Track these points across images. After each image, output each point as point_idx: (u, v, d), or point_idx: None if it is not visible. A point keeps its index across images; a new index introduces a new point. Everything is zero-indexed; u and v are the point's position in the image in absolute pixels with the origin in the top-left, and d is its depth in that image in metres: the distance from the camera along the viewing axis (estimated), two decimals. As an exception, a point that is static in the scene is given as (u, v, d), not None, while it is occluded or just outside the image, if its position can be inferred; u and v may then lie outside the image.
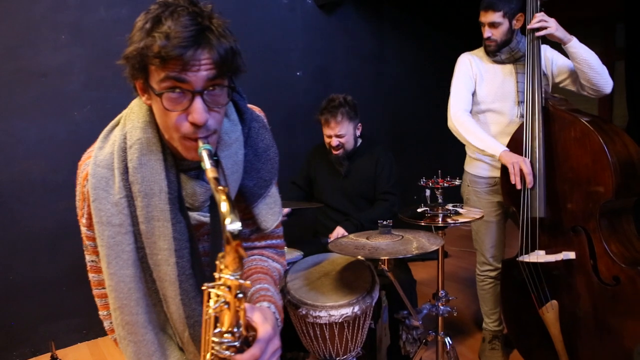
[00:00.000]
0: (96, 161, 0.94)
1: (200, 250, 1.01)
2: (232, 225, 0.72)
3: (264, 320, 0.86)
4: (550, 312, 1.95)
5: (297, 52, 3.63)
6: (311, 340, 1.74)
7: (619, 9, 4.26)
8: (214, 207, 0.96)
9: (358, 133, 2.53)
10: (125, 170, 0.93)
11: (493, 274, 2.40)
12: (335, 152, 2.47)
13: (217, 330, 0.79)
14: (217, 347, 0.79)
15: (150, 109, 0.94)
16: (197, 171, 0.99)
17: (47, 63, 2.66)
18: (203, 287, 0.80)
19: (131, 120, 0.95)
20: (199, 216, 0.98)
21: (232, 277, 0.76)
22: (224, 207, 0.74)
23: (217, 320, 0.80)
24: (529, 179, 1.92)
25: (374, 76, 4.24)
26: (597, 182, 1.85)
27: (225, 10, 3.41)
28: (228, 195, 0.76)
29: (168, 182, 0.93)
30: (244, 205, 1.07)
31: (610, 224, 1.91)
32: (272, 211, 1.09)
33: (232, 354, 0.79)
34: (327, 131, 2.46)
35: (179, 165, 0.97)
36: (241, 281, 0.76)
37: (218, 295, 0.78)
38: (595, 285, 1.86)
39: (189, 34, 0.80)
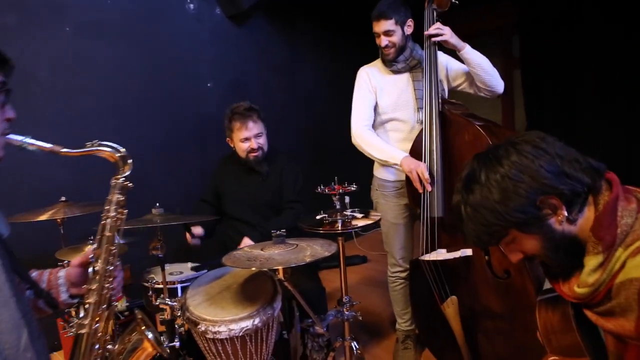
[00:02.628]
0: None
1: None
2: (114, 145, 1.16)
3: None
4: (450, 307, 2.02)
5: (206, 63, 3.56)
6: (214, 356, 1.68)
7: (514, 22, 4.62)
8: None
9: None
10: None
11: (403, 274, 2.46)
12: (254, 155, 2.44)
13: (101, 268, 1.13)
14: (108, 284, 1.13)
15: None
16: None
17: None
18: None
19: None
20: None
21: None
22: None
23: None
24: (425, 179, 2.01)
25: (287, 87, 4.25)
26: (488, 181, 1.95)
27: (130, 19, 3.27)
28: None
29: None
30: None
31: (502, 220, 2.02)
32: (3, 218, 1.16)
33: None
34: (244, 134, 2.41)
35: None
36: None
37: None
38: (489, 279, 1.96)
39: None
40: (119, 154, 1.16)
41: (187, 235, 2.34)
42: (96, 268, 1.13)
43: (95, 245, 1.15)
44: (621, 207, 0.94)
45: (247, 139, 2.42)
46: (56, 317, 2.40)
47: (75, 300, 1.20)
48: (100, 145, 1.14)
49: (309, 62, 4.46)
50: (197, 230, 2.36)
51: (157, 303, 1.87)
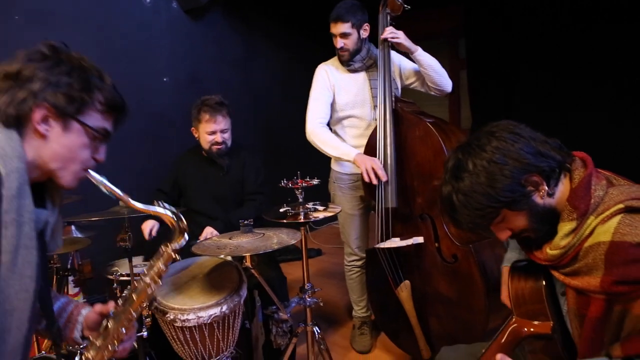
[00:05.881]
0: None
1: None
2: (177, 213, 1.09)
3: None
4: (404, 291, 2.18)
5: (162, 58, 3.54)
6: (182, 345, 1.73)
7: (461, 25, 4.87)
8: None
9: None
10: None
11: (359, 263, 2.60)
12: (217, 147, 2.48)
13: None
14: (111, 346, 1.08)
15: (20, 141, 0.94)
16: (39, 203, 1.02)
17: None
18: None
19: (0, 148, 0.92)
20: None
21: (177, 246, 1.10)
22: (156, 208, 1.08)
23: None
24: (381, 173, 2.12)
25: (243, 82, 4.29)
26: (437, 174, 2.11)
27: (83, 8, 3.20)
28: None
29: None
30: None
31: (450, 209, 2.19)
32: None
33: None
34: (212, 127, 2.45)
35: None
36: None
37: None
38: (439, 264, 2.12)
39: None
40: (181, 225, 1.09)
41: (144, 231, 2.38)
42: (109, 325, 1.09)
43: (120, 302, 1.11)
44: (594, 182, 1.08)
45: (213, 132, 2.47)
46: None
47: (84, 343, 1.15)
48: (165, 208, 1.09)
49: (264, 58, 4.52)
50: (154, 229, 2.42)
51: (123, 295, 1.89)
